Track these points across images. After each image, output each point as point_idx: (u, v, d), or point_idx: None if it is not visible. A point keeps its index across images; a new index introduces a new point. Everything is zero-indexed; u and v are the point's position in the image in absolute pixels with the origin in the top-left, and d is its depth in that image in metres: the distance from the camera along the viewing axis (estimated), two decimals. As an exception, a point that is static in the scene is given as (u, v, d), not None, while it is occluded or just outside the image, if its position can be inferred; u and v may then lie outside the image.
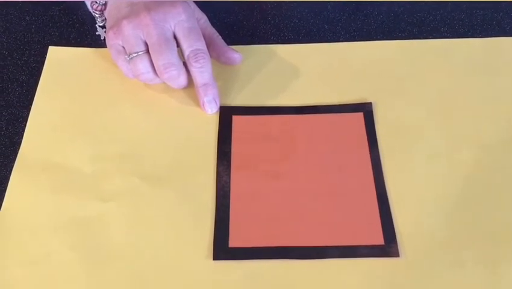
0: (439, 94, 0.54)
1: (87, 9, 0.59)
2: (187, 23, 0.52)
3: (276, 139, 0.51)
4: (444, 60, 0.57)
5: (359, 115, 0.53)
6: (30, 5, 0.63)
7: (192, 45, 0.52)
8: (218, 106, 0.53)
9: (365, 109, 0.53)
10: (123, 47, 0.52)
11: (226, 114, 0.53)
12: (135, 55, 0.51)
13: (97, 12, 0.57)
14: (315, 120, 0.52)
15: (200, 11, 0.56)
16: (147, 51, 0.51)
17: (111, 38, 0.53)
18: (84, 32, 0.60)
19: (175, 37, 0.52)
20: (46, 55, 0.58)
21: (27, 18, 0.62)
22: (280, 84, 0.55)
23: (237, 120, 0.53)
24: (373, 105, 0.53)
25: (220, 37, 0.57)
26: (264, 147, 0.51)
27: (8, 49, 0.59)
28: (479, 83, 0.55)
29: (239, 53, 0.56)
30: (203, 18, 0.56)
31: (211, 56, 0.54)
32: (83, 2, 0.60)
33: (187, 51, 0.52)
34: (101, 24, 0.59)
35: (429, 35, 0.59)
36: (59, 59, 0.58)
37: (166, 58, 0.51)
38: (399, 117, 0.53)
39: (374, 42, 0.58)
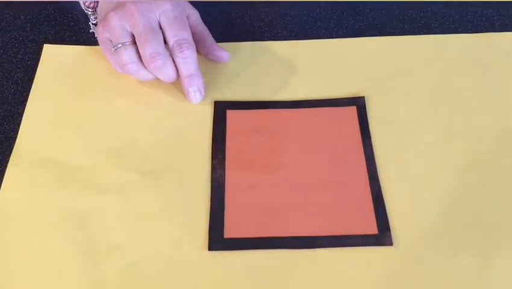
0: (430, 88, 0.55)
1: (81, 8, 0.59)
2: (172, 13, 0.51)
3: (269, 133, 0.52)
4: (435, 55, 0.57)
5: (353, 109, 0.53)
6: (25, 4, 0.63)
7: (176, 35, 0.51)
8: (204, 96, 0.53)
9: (358, 103, 0.53)
10: (111, 40, 0.52)
11: (221, 109, 0.53)
12: (120, 45, 0.51)
13: (89, 9, 0.57)
14: (309, 114, 0.53)
15: (191, 6, 0.56)
16: (134, 42, 0.51)
17: (100, 32, 0.53)
18: (78, 31, 0.61)
19: (161, 27, 0.52)
20: (41, 52, 0.58)
21: (22, 17, 0.62)
22: (274, 80, 0.56)
23: (231, 114, 0.53)
24: (365, 99, 0.54)
25: (210, 34, 0.57)
26: (258, 141, 0.51)
27: (3, 47, 0.60)
28: (469, 77, 0.55)
29: (227, 52, 0.56)
30: (195, 14, 0.56)
31: (200, 52, 0.54)
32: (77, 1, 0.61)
33: (171, 41, 0.51)
34: (94, 22, 0.59)
35: (420, 32, 0.60)
36: (54, 56, 0.58)
37: (152, 48, 0.50)
38: (391, 110, 0.53)
39: (367, 38, 0.59)
